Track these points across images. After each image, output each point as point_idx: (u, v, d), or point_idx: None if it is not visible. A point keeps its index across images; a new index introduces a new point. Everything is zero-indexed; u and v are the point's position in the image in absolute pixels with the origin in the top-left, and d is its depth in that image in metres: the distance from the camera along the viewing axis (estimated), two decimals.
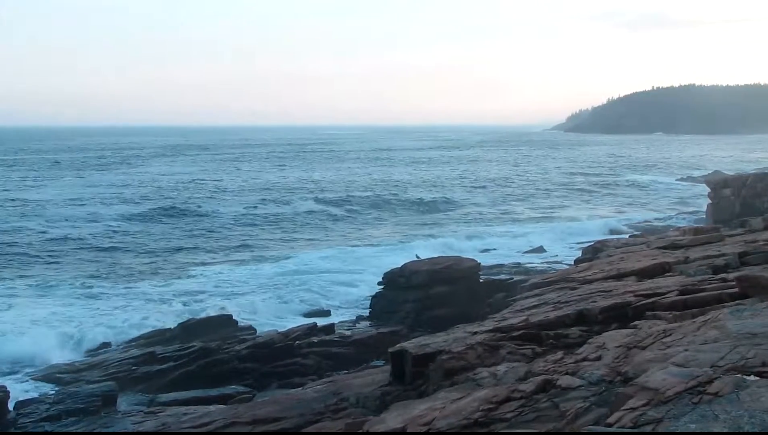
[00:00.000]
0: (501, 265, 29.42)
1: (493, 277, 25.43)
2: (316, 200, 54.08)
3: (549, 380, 8.21)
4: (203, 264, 32.25)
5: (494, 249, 34.85)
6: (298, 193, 59.90)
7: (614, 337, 9.46)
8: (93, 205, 51.74)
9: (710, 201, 39.11)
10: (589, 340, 9.80)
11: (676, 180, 72.08)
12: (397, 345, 11.66)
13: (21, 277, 29.38)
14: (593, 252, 22.27)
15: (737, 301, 10.36)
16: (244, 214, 47.70)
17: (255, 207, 51.07)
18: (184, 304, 25.61)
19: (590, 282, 14.97)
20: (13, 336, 21.17)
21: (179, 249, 35.47)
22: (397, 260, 26.17)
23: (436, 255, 26.66)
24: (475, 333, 11.43)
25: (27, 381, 17.76)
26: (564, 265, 26.18)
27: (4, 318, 23.15)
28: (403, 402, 9.34)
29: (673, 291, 12.11)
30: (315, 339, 19.28)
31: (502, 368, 9.42)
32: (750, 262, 14.15)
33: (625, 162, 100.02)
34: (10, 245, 35.63)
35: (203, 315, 23.52)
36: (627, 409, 6.58)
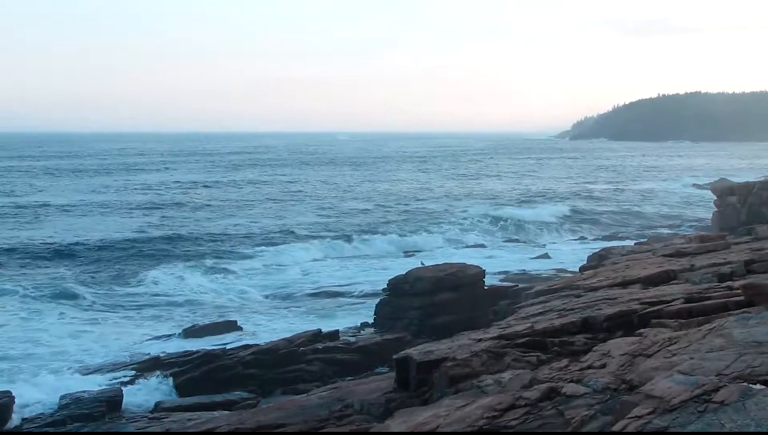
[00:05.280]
0: (506, 272, 29.43)
1: (497, 284, 25.41)
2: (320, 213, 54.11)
3: (554, 388, 8.18)
4: (205, 271, 32.24)
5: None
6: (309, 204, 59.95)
7: (619, 345, 9.44)
8: (93, 213, 51.87)
9: (716, 208, 38.98)
10: (594, 348, 9.77)
11: (682, 187, 72.07)
12: (402, 352, 11.63)
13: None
14: (598, 259, 22.26)
15: (743, 310, 10.33)
16: (245, 223, 47.78)
17: (257, 219, 51.14)
18: (188, 310, 25.68)
19: (595, 289, 14.93)
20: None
21: (175, 255, 35.22)
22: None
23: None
24: (480, 340, 11.41)
25: (32, 386, 17.76)
26: (569, 273, 26.14)
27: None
28: (408, 409, 9.33)
29: (678, 299, 12.07)
30: (319, 345, 19.28)
31: (506, 375, 9.40)
32: (756, 270, 14.08)
33: (630, 169, 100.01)
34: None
35: (207, 321, 23.60)
36: (632, 417, 6.56)
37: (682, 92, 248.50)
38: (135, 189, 68.86)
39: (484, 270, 23.77)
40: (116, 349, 21.04)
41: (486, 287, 23.54)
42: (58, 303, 26.22)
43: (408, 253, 36.42)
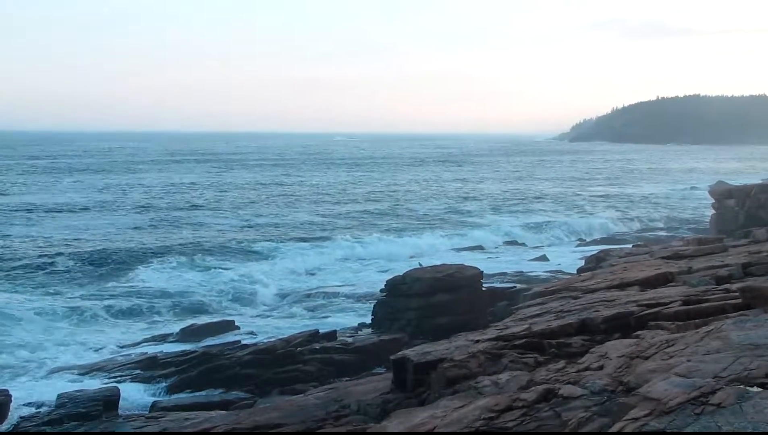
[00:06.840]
0: (504, 274, 29.43)
1: (495, 286, 25.41)
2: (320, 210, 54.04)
3: (551, 389, 8.19)
4: (203, 270, 32.18)
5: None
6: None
7: (617, 347, 9.44)
8: (89, 212, 51.79)
9: (714, 211, 39.01)
10: (592, 350, 9.77)
11: (680, 189, 72.15)
12: (399, 352, 11.64)
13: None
14: (596, 261, 22.28)
15: (740, 312, 10.34)
16: (243, 222, 47.74)
17: (258, 215, 51.15)
18: (185, 309, 25.67)
19: (593, 291, 14.94)
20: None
21: (172, 255, 34.93)
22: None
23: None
24: (477, 341, 11.41)
25: (29, 385, 17.76)
26: (567, 274, 26.16)
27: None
28: (405, 410, 9.33)
29: (676, 301, 12.08)
30: (317, 346, 19.27)
31: (503, 377, 9.40)
32: (754, 273, 14.13)
33: (629, 172, 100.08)
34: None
35: (205, 320, 23.58)
36: (629, 420, 6.57)
37: (681, 95, 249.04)
38: (131, 188, 68.77)
39: (482, 271, 23.76)
40: (113, 348, 21.04)
41: (484, 289, 23.54)
42: (55, 302, 26.16)
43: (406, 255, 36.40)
